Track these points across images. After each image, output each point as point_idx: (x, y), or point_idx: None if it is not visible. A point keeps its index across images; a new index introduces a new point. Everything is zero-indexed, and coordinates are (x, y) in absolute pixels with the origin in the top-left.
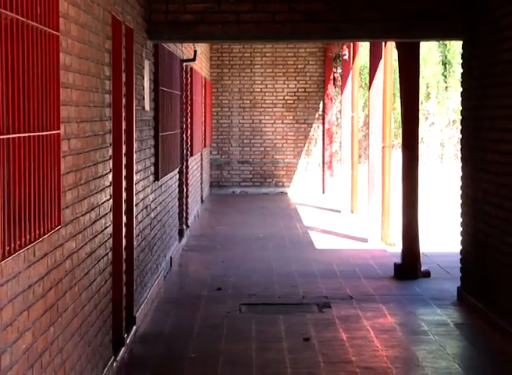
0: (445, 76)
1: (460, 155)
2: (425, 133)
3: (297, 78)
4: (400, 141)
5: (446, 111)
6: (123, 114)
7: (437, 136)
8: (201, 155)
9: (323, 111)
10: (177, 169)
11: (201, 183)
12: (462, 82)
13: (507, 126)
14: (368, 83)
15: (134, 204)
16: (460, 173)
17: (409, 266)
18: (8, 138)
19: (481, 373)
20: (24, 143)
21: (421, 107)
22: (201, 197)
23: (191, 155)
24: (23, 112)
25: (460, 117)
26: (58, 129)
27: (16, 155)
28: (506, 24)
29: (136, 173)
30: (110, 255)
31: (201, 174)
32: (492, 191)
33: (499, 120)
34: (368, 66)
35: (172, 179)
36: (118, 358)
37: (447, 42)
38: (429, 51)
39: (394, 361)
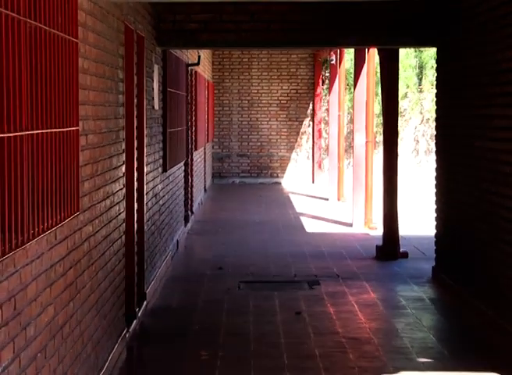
0: (419, 79)
1: (434, 149)
2: (402, 129)
3: (290, 80)
4: (381, 136)
5: (421, 110)
6: (135, 112)
7: (412, 132)
8: (204, 149)
9: (313, 110)
10: (183, 162)
11: (204, 174)
12: (436, 84)
13: (476, 124)
14: (352, 85)
15: (145, 192)
16: (435, 165)
17: (389, 247)
18: (33, 134)
19: (453, 342)
20: (47, 138)
21: (400, 106)
22: (204, 186)
23: (195, 149)
24: (46, 110)
25: (435, 115)
26: (77, 126)
27: (39, 149)
28: (473, 34)
29: (146, 164)
30: (123, 238)
31: (204, 166)
32: (463, 181)
33: (469, 119)
34: (352, 69)
35: (178, 170)
36: (130, 330)
37: (422, 49)
38: (406, 56)
39: (376, 332)
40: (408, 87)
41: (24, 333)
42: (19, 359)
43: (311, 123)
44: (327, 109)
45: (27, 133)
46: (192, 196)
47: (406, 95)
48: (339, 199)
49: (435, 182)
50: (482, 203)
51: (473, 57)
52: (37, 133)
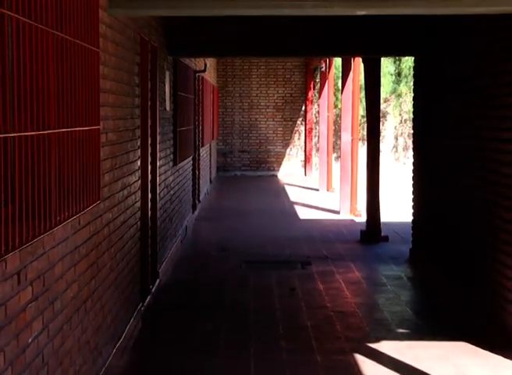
0: (398, 85)
1: (411, 146)
2: (383, 128)
3: (285, 85)
4: (365, 134)
5: (399, 111)
6: (149, 113)
7: (392, 131)
8: (210, 145)
9: (305, 111)
10: (191, 157)
11: (210, 168)
12: (413, 88)
13: (447, 125)
14: (340, 89)
15: (157, 184)
16: (412, 160)
17: (372, 232)
18: (59, 132)
19: (427, 315)
20: (71, 136)
21: (381, 108)
22: (210, 178)
23: (202, 145)
24: (71, 111)
25: (412, 116)
26: (98, 125)
27: (65, 145)
28: (447, 46)
29: (159, 159)
30: (139, 223)
31: (210, 160)
32: (436, 174)
33: (441, 119)
34: (340, 75)
35: (187, 164)
36: (145, 304)
37: (401, 58)
38: (389, 64)
39: (360, 306)
40: (387, 92)
41: (52, 307)
42: (47, 330)
43: (303, 122)
44: (317, 111)
45: (55, 131)
46: (199, 187)
47: (387, 99)
48: (328, 190)
49: (412, 175)
50: (453, 192)
51: (446, 65)
52: (63, 132)
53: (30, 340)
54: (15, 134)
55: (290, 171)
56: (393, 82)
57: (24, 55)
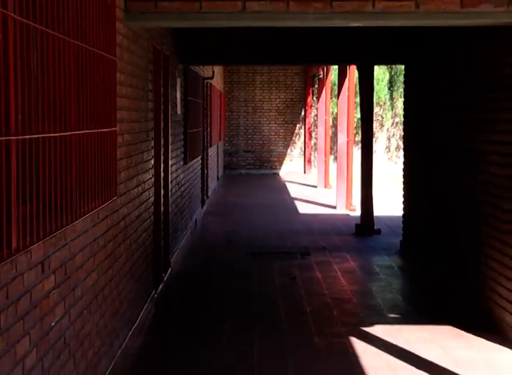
0: (391, 91)
1: (402, 147)
2: (376, 130)
3: (286, 91)
4: (360, 136)
5: (392, 115)
6: (161, 116)
7: (385, 133)
8: (217, 146)
9: (304, 115)
10: (200, 156)
11: (217, 166)
12: (404, 94)
13: (433, 127)
14: (336, 95)
15: (169, 181)
16: (403, 160)
17: (365, 225)
18: (79, 133)
19: (416, 301)
20: (90, 137)
21: (374, 112)
22: (217, 176)
23: (210, 145)
24: (90, 114)
25: (403, 120)
26: (115, 127)
27: (84, 146)
28: (433, 57)
29: (171, 158)
30: (152, 217)
31: (217, 160)
32: (422, 172)
33: (428, 122)
34: (336, 82)
35: (196, 163)
36: (157, 291)
37: (393, 67)
38: (381, 72)
39: (355, 293)
40: (380, 97)
41: (73, 293)
42: (69, 315)
43: (303, 125)
44: (316, 114)
45: (76, 133)
46: (207, 184)
47: (379, 103)
48: (325, 186)
49: (402, 173)
50: (438, 189)
51: (432, 73)
52: (83, 133)
53: (53, 323)
54: (39, 135)
55: (291, 170)
56: (388, 88)
57: (48, 63)
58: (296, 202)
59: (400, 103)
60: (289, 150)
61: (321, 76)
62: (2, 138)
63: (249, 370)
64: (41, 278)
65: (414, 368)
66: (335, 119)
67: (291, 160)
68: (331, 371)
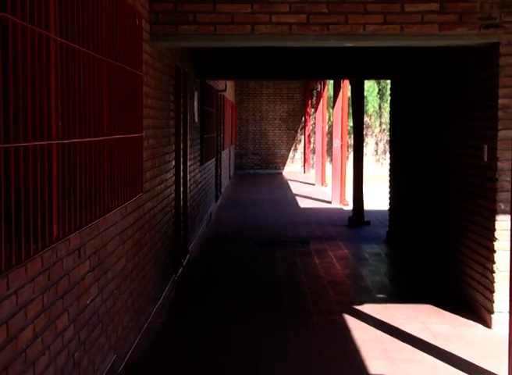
0: (381, 101)
1: (388, 150)
2: (366, 136)
3: (288, 102)
4: (352, 141)
5: (379, 123)
6: (181, 124)
7: (374, 138)
8: (229, 149)
9: (304, 123)
10: (214, 158)
11: (229, 166)
12: (390, 105)
13: (414, 133)
14: (332, 106)
15: (188, 179)
16: (388, 161)
17: (357, 218)
18: (111, 138)
19: (400, 283)
20: (120, 141)
21: (365, 120)
22: (229, 175)
23: (223, 149)
24: (120, 122)
25: (389, 127)
26: (141, 133)
27: (115, 149)
28: (414, 73)
29: (189, 160)
30: (173, 211)
31: (229, 161)
32: (405, 172)
33: (410, 130)
34: (332, 94)
35: (211, 163)
36: (178, 274)
37: (382, 81)
38: (371, 86)
39: (348, 276)
40: (371, 107)
41: (105, 276)
42: (102, 294)
43: (303, 132)
44: (314, 122)
45: (107, 138)
46: (220, 182)
47: (369, 113)
48: (322, 184)
49: (388, 173)
50: (419, 186)
51: (414, 87)
52: (114, 138)
53: (88, 302)
54: (76, 140)
55: (293, 170)
56: (379, 99)
57: (84, 77)
58: (297, 198)
59: (386, 113)
60: (291, 153)
61: (318, 89)
62: (45, 142)
63: (256, 340)
64: (78, 263)
65: (398, 340)
66: (330, 126)
67: (293, 162)
68: (327, 343)
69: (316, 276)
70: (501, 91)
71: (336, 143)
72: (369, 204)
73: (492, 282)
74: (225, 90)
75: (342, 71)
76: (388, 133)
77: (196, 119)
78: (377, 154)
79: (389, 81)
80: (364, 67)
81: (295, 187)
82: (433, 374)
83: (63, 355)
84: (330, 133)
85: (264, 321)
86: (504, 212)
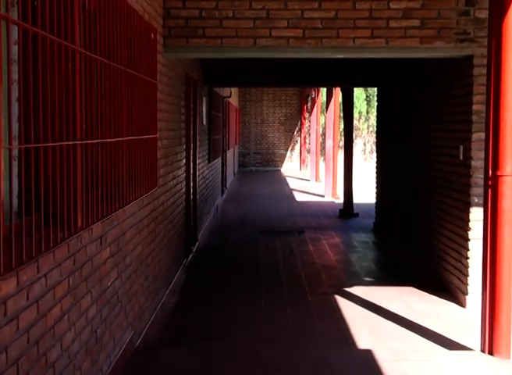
0: (368, 106)
1: (374, 150)
2: (355, 137)
3: (286, 107)
4: (343, 142)
5: (367, 126)
6: (191, 126)
7: (362, 139)
8: (234, 149)
9: (300, 125)
10: (220, 157)
11: (234, 164)
12: (376, 110)
13: (396, 134)
14: (325, 110)
15: (197, 175)
16: (375, 160)
17: (347, 210)
18: (129, 139)
19: (386, 268)
20: (137, 142)
21: (354, 123)
22: (234, 172)
23: (228, 148)
24: (137, 124)
25: (376, 129)
26: (156, 134)
27: (132, 148)
28: (397, 81)
29: (198, 158)
30: (184, 203)
31: (234, 159)
32: (387, 169)
33: (394, 131)
34: (325, 100)
35: (217, 162)
36: (188, 260)
37: (369, 88)
38: (360, 93)
39: (339, 262)
40: (360, 111)
41: (124, 261)
42: (121, 277)
43: (299, 133)
44: (309, 125)
45: (126, 138)
46: (226, 178)
47: (359, 116)
48: (316, 180)
49: (375, 170)
50: (402, 182)
51: (397, 94)
52: (132, 139)
53: (108, 284)
54: (98, 140)
55: (290, 167)
56: (366, 104)
57: (105, 85)
58: (294, 192)
59: (373, 116)
60: (288, 152)
61: (313, 95)
62: (71, 142)
63: (259, 317)
64: (100, 249)
65: (383, 318)
66: (324, 128)
67: (290, 160)
68: (320, 320)
69: (311, 261)
70: (475, 98)
71: (329, 143)
72: (358, 197)
73: (467, 267)
74: (230, 96)
75: (334, 79)
76: (374, 135)
77: (204, 122)
78: (365, 153)
79: (375, 89)
80: (353, 76)
81: (292, 183)
82: (414, 348)
83: (87, 331)
84: (323, 134)
85: (265, 300)
86: (477, 205)
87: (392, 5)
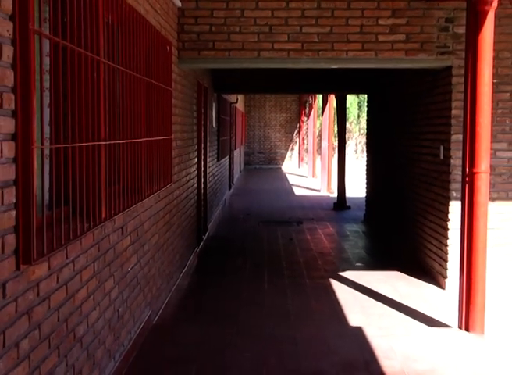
0: (359, 111)
1: (365, 150)
2: (348, 138)
3: (286, 112)
4: (337, 142)
5: (359, 128)
6: (202, 128)
7: (354, 140)
8: (240, 148)
9: (299, 128)
10: (228, 156)
11: (240, 162)
12: (367, 114)
13: (384, 136)
14: (321, 114)
15: (207, 172)
16: (365, 158)
17: (340, 203)
18: (147, 140)
19: (375, 255)
20: (154, 142)
21: (347, 126)
22: (240, 169)
23: (235, 148)
24: (154, 127)
25: (366, 131)
26: (171, 135)
27: (150, 148)
28: (385, 89)
29: (208, 157)
30: (195, 197)
31: (240, 158)
32: (376, 167)
33: (381, 134)
34: (321, 105)
35: (225, 160)
36: (199, 247)
37: (361, 95)
38: (353, 99)
39: (333, 249)
40: (352, 115)
41: (142, 248)
42: (140, 263)
43: (298, 135)
44: (307, 128)
45: (144, 139)
46: (233, 175)
47: (351, 119)
48: (313, 176)
49: (365, 167)
50: (389, 178)
51: (385, 100)
52: (149, 140)
53: (129, 269)
54: (120, 141)
55: (290, 165)
56: (358, 109)
57: (126, 92)
58: (293, 187)
59: (364, 120)
60: (288, 152)
61: (310, 101)
62: (96, 143)
63: (262, 297)
64: (121, 238)
65: (372, 299)
66: (320, 131)
67: (290, 159)
68: (316, 300)
69: (308, 248)
70: (453, 104)
71: (324, 144)
72: (350, 192)
73: (446, 254)
74: (236, 102)
75: (329, 87)
76: (365, 136)
77: (214, 125)
78: (356, 153)
79: (366, 95)
80: (346, 84)
81: (291, 179)
82: (399, 325)
83: (110, 310)
84: (319, 136)
85: (268, 283)
86: (456, 199)
87: (380, 22)
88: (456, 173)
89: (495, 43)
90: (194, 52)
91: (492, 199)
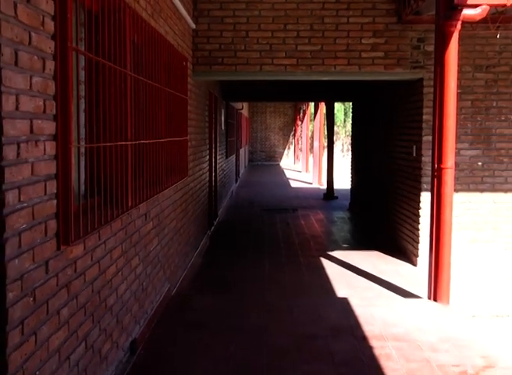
0: (345, 116)
1: (350, 149)
2: (336, 140)
3: (284, 117)
4: (326, 143)
5: (345, 131)
6: (213, 131)
7: (341, 141)
8: (244, 148)
9: (294, 130)
10: (234, 154)
11: (245, 159)
12: (352, 119)
13: (366, 137)
14: (313, 119)
15: (217, 168)
16: (350, 156)
17: (329, 194)
18: (167, 140)
19: (358, 238)
20: (173, 142)
21: (334, 129)
22: (244, 165)
23: (240, 147)
24: (173, 129)
25: (351, 133)
26: (187, 137)
27: (169, 147)
28: (366, 98)
29: (218, 155)
30: (207, 189)
31: (244, 156)
32: (359, 163)
33: (363, 136)
34: (313, 111)
35: (232, 157)
36: (210, 230)
37: (346, 103)
38: (340, 106)
39: (323, 232)
40: (339, 120)
41: (163, 232)
42: (161, 244)
43: (293, 137)
44: (301, 130)
45: (164, 140)
46: (239, 169)
47: (338, 123)
48: (306, 171)
49: (350, 164)
50: (369, 173)
51: (367, 107)
52: (169, 140)
53: (151, 249)
54: (143, 141)
55: (287, 162)
56: (344, 115)
57: (149, 100)
58: (289, 180)
59: (349, 124)
60: (285, 151)
61: (304, 108)
62: (123, 143)
63: (263, 272)
64: (145, 223)
65: (355, 274)
66: (312, 133)
67: (287, 157)
68: (309, 275)
69: (302, 232)
70: (424, 110)
71: (316, 144)
72: (337, 184)
73: (418, 236)
74: (242, 108)
75: (320, 96)
76: (350, 138)
77: (222, 128)
78: (342, 151)
79: (351, 103)
80: (334, 94)
81: (288, 173)
82: (378, 296)
83: (136, 284)
84: (312, 137)
85: (268, 260)
86: (426, 190)
87: (363, 41)
88: (427, 169)
89: (459, 59)
90: (206, 67)
91: (457, 191)
